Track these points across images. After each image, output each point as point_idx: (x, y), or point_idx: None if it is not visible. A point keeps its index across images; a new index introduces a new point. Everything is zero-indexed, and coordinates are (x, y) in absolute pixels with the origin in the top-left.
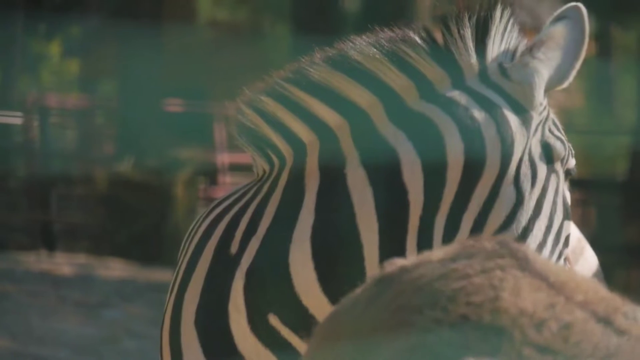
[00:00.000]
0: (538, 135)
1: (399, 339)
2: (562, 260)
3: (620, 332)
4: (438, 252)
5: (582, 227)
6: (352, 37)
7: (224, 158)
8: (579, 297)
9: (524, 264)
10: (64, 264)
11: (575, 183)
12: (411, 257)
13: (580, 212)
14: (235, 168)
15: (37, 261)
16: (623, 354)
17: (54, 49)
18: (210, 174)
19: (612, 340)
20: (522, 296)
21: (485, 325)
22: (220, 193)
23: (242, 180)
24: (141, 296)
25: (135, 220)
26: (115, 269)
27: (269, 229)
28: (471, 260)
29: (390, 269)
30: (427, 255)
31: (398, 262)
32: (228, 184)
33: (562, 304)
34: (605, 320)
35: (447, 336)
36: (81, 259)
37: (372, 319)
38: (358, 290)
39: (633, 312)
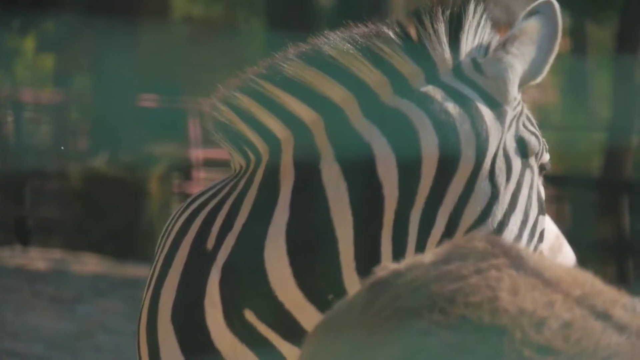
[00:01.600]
0: (512, 130)
1: (397, 343)
2: None
3: (621, 327)
4: (429, 254)
5: (557, 223)
6: (326, 32)
7: (198, 153)
8: (576, 292)
9: (518, 263)
10: (38, 259)
11: (550, 179)
12: (403, 261)
13: (554, 208)
14: (209, 163)
15: (11, 256)
16: (624, 352)
17: (29, 44)
18: (185, 170)
19: (612, 337)
20: (521, 295)
21: (486, 325)
22: (194, 188)
23: (216, 175)
24: (115, 291)
25: (110, 215)
26: (90, 264)
27: (244, 225)
28: (464, 261)
29: (382, 273)
30: (418, 258)
31: (390, 266)
32: (202, 179)
33: (560, 302)
34: (605, 316)
35: (447, 338)
36: (55, 254)
37: (369, 323)
38: (351, 296)
39: (632, 304)
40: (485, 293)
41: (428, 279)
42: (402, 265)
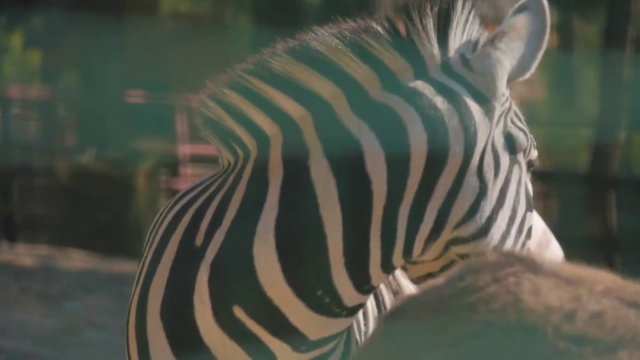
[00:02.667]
0: (501, 126)
1: (426, 357)
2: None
3: None
4: (440, 278)
5: (544, 219)
6: (314, 28)
7: (185, 149)
8: (599, 287)
9: (534, 268)
10: (25, 255)
11: (538, 175)
12: (416, 289)
13: (542, 204)
14: (196, 159)
15: None
16: None
17: (16, 40)
18: (172, 166)
19: None
20: (543, 294)
21: (513, 327)
22: (182, 184)
23: (203, 171)
24: (102, 287)
25: (97, 211)
26: (77, 260)
27: (233, 221)
28: (480, 274)
29: (398, 303)
30: (430, 283)
31: (405, 295)
32: (189, 175)
33: (586, 295)
34: (636, 304)
35: (474, 346)
36: (43, 250)
37: (391, 354)
38: (373, 332)
39: None
40: (506, 298)
41: (446, 296)
42: (416, 292)
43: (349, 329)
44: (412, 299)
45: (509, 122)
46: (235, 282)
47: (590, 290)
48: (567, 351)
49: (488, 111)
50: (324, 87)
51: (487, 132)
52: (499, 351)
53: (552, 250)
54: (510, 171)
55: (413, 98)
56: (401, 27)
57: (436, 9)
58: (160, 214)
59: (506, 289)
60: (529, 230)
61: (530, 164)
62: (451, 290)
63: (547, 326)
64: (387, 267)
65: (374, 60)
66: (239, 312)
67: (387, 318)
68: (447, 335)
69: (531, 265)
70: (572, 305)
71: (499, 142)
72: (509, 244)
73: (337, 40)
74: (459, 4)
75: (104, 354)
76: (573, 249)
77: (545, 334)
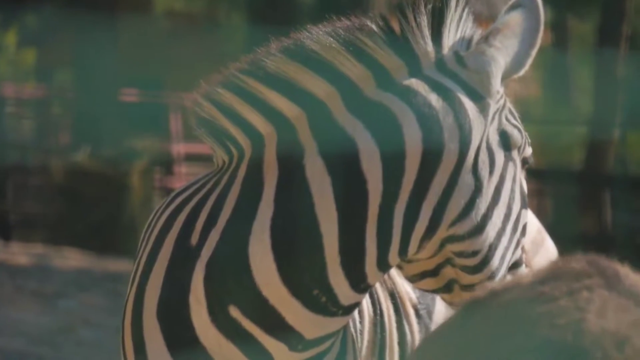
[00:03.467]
0: (495, 123)
1: None
2: (519, 250)
3: None
4: (528, 274)
5: (539, 217)
6: (308, 26)
7: (179, 148)
8: None
9: (612, 283)
10: (20, 253)
11: (532, 173)
12: (502, 281)
13: (536, 202)
14: (190, 158)
15: None
16: None
17: (10, 38)
18: (166, 164)
19: None
20: (608, 317)
21: (568, 348)
22: (176, 183)
23: (197, 170)
24: (97, 286)
25: (91, 210)
26: (72, 258)
27: (228, 221)
28: (559, 282)
29: (480, 293)
30: (517, 278)
31: (488, 287)
32: (184, 174)
33: None
34: None
35: None
36: (37, 248)
37: (459, 344)
38: (449, 316)
39: None
40: (573, 315)
41: (520, 301)
42: (500, 285)
43: (345, 328)
44: (492, 292)
45: (503, 120)
46: (231, 282)
47: None
48: None
49: (483, 109)
50: (318, 86)
51: (482, 130)
52: None
53: (546, 248)
54: (505, 168)
55: (407, 96)
56: (395, 25)
57: (430, 6)
58: (155, 213)
59: (575, 305)
60: (524, 227)
61: (524, 162)
62: (528, 294)
63: (598, 351)
64: (383, 266)
65: (369, 58)
66: (234, 312)
67: (464, 307)
68: (506, 345)
69: (611, 279)
70: (629, 331)
71: (494, 139)
72: (504, 241)
73: (331, 39)
74: (453, 2)
75: (99, 353)
76: (567, 246)
77: (594, 358)
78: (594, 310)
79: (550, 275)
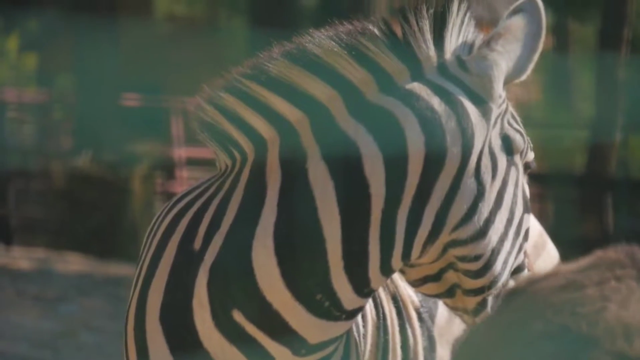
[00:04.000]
0: (497, 128)
1: (503, 352)
2: (521, 254)
3: None
4: (573, 263)
5: (540, 221)
6: (310, 30)
7: (181, 152)
8: None
9: None
10: (21, 258)
11: (533, 177)
12: (548, 269)
13: (537, 206)
14: (192, 162)
15: None
16: None
17: (12, 43)
18: (168, 168)
19: None
20: (629, 308)
21: (581, 336)
22: (177, 187)
23: (199, 174)
24: (99, 290)
25: (93, 214)
26: (73, 263)
27: (231, 225)
28: (593, 270)
29: (521, 280)
30: (561, 266)
31: (531, 274)
32: (185, 178)
33: None
34: None
35: (546, 349)
36: (39, 253)
37: (490, 333)
38: (496, 303)
39: None
40: (596, 304)
41: (553, 289)
42: (542, 273)
43: (348, 333)
44: (531, 280)
45: (505, 124)
46: (234, 286)
47: None
48: None
49: (485, 113)
50: (320, 90)
51: (484, 134)
52: (557, 358)
53: (547, 252)
54: (507, 173)
55: (410, 100)
56: (397, 30)
57: (432, 11)
58: (158, 218)
59: (601, 294)
60: (527, 232)
61: (527, 166)
62: (561, 282)
63: (607, 341)
64: (386, 270)
65: (371, 62)
66: (238, 316)
67: (505, 294)
68: (529, 330)
69: None
70: None
71: (496, 143)
72: (506, 246)
73: (334, 43)
74: (455, 6)
75: (100, 357)
76: (569, 250)
77: (602, 348)
78: (617, 301)
79: (589, 264)
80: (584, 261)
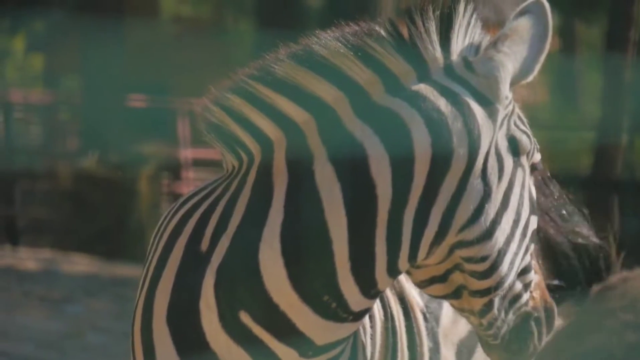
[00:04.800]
0: (504, 129)
1: (590, 339)
2: (528, 255)
3: None
4: None
5: None
6: (316, 32)
7: (187, 153)
8: None
9: None
10: (28, 259)
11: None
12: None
13: None
14: (198, 163)
15: (1, 256)
16: None
17: (18, 44)
18: (174, 169)
19: None
20: None
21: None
22: (183, 188)
23: (205, 175)
24: (105, 291)
25: (99, 215)
26: (79, 263)
27: (238, 227)
28: None
29: (614, 278)
30: None
31: (625, 273)
32: (191, 179)
33: None
34: None
35: (629, 338)
36: (45, 254)
37: (584, 319)
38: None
39: None
40: None
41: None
42: (635, 272)
43: (356, 334)
44: (624, 278)
45: (512, 125)
46: (241, 288)
47: None
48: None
49: (491, 114)
50: (327, 92)
51: (491, 135)
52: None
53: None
54: (514, 174)
55: (416, 101)
56: (404, 31)
57: (438, 12)
58: (164, 219)
59: None
60: (533, 233)
61: (533, 167)
62: None
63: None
64: (393, 272)
65: (377, 63)
66: (245, 318)
67: (600, 289)
68: (618, 321)
69: None
70: None
71: (503, 145)
72: (513, 247)
73: (340, 44)
74: (461, 8)
75: (106, 358)
76: None
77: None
78: None
79: None
80: None
